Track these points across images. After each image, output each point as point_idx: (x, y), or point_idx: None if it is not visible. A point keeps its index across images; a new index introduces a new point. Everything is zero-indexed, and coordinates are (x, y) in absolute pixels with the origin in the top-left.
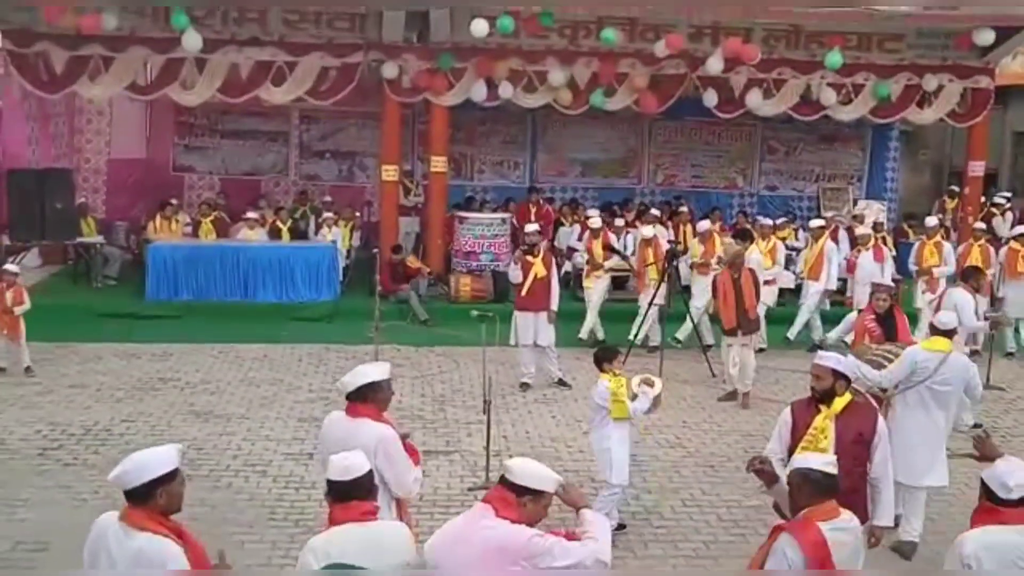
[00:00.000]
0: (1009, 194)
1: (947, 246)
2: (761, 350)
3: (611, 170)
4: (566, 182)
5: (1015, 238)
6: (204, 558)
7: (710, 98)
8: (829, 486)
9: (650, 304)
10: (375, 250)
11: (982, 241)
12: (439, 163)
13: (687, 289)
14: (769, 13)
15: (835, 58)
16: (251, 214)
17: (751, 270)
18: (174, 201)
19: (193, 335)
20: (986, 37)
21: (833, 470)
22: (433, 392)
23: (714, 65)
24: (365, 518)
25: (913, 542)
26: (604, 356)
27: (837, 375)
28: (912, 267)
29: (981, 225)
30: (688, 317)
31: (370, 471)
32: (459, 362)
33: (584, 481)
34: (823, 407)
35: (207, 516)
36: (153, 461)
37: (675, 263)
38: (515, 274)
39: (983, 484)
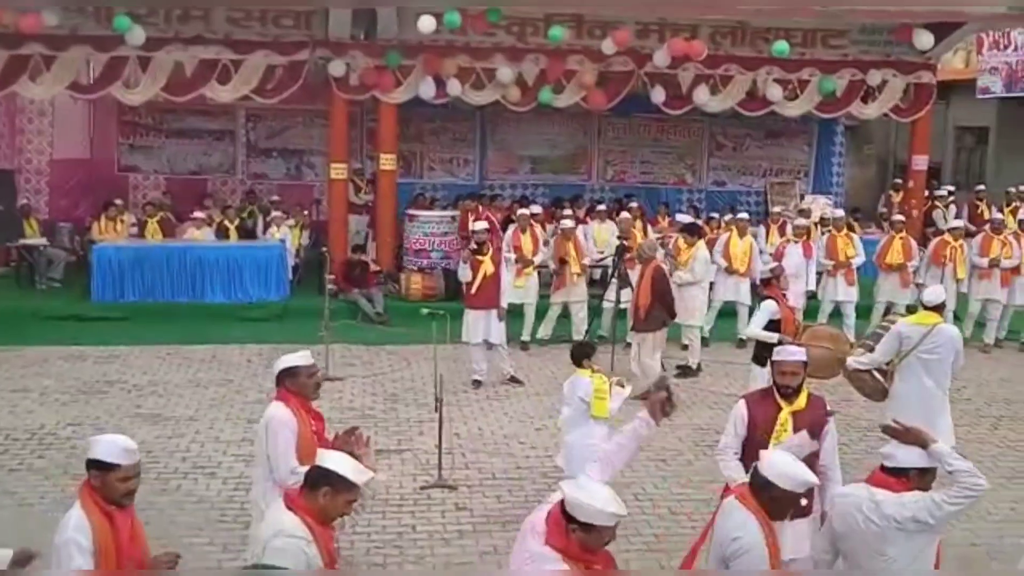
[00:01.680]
0: (952, 187)
1: (856, 238)
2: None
3: (561, 167)
4: (516, 179)
5: (950, 230)
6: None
7: (658, 95)
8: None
9: (600, 299)
10: (324, 249)
11: (903, 233)
12: (388, 161)
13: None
14: (715, 9)
15: (782, 46)
16: (198, 214)
17: (657, 267)
18: (119, 201)
19: (140, 337)
20: (924, 40)
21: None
22: (384, 391)
23: (661, 60)
24: None
25: None
26: (582, 352)
27: (805, 367)
28: (827, 261)
29: (899, 218)
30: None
31: None
32: (410, 360)
33: (536, 477)
34: (784, 402)
35: (155, 519)
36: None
37: (623, 259)
38: (464, 273)
39: None
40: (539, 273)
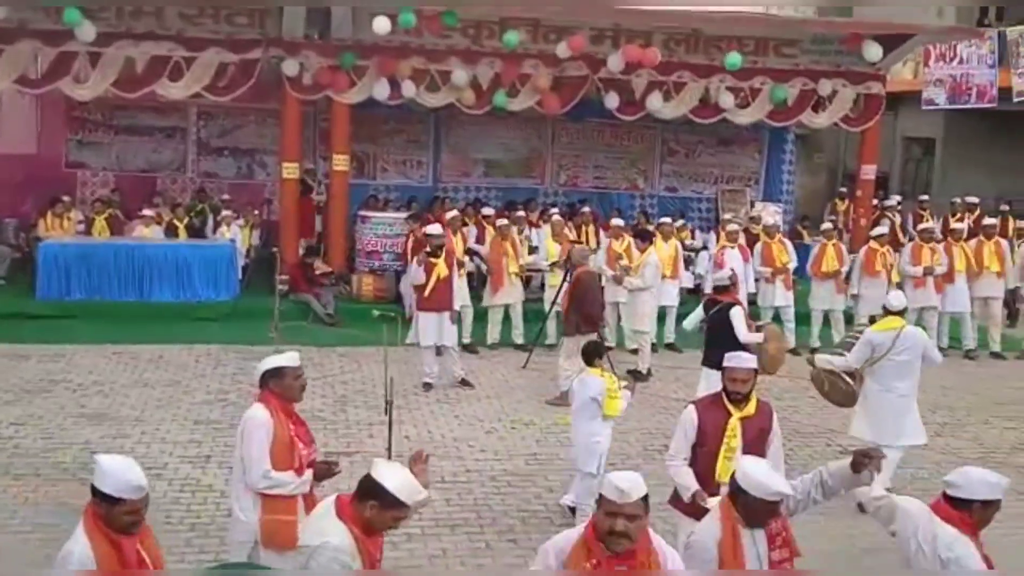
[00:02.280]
0: (899, 197)
1: (789, 244)
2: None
3: (514, 170)
4: (469, 182)
5: (874, 237)
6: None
7: (611, 100)
8: None
9: (553, 304)
10: (275, 249)
11: (835, 241)
12: (341, 161)
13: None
14: (665, 17)
15: (734, 59)
16: (146, 211)
17: (580, 275)
18: (66, 198)
19: (86, 335)
20: (874, 52)
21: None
22: (334, 393)
23: (615, 66)
24: None
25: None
26: (595, 351)
27: (756, 374)
28: (763, 268)
29: (827, 225)
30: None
31: None
32: (361, 362)
33: (485, 480)
34: (734, 408)
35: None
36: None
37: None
38: (418, 275)
39: None
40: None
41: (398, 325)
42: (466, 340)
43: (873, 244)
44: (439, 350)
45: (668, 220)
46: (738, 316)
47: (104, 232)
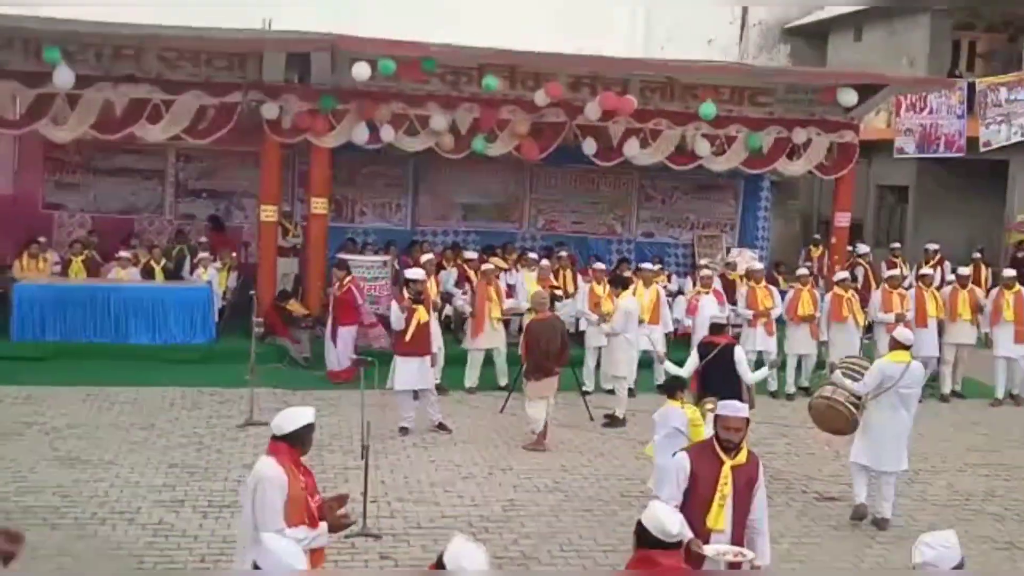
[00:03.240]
0: (866, 248)
1: (775, 290)
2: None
3: (492, 214)
4: (448, 225)
5: (838, 283)
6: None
7: (589, 146)
8: None
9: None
10: (252, 292)
11: (809, 286)
12: (320, 204)
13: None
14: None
15: (708, 108)
16: (123, 253)
17: (535, 320)
18: (42, 239)
19: (60, 377)
20: (849, 98)
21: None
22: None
23: (592, 113)
24: None
25: (887, 518)
26: (676, 385)
27: (747, 424)
28: (747, 311)
29: (803, 271)
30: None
31: None
32: (337, 406)
33: (462, 526)
34: (726, 456)
35: (72, 566)
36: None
37: (552, 307)
38: (398, 321)
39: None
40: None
41: (375, 369)
42: (436, 381)
43: (837, 290)
44: (416, 394)
45: (649, 266)
46: (742, 357)
47: (80, 274)
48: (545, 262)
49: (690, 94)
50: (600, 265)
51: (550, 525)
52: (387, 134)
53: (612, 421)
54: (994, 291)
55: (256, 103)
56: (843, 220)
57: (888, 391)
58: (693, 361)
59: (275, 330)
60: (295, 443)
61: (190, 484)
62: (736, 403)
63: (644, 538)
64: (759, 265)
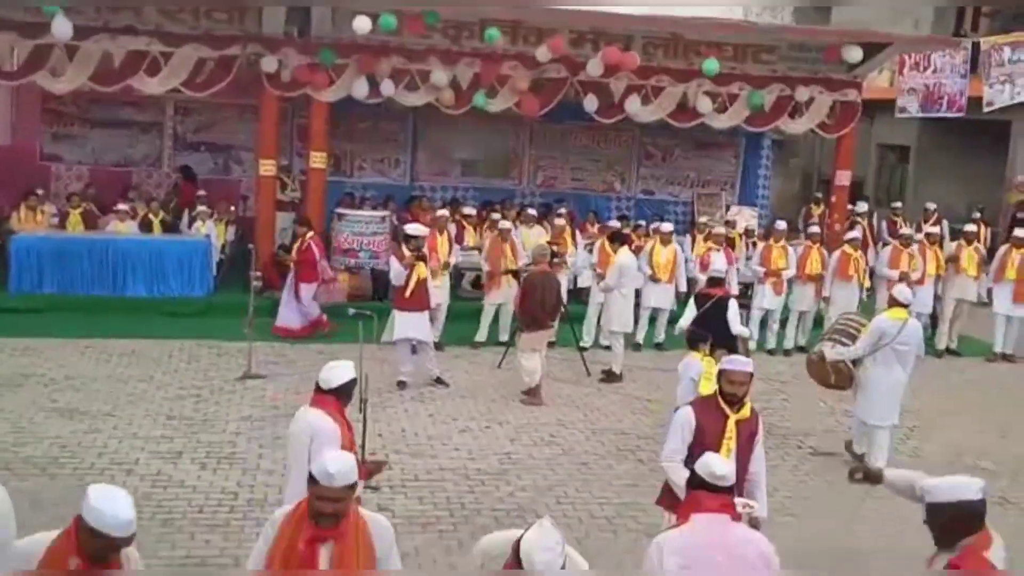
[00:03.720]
0: (867, 203)
1: (791, 251)
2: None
3: (492, 170)
4: (447, 181)
5: (848, 242)
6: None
7: (590, 103)
8: (983, 512)
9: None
10: (250, 246)
11: (819, 245)
12: (318, 159)
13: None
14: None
15: (711, 65)
16: (121, 206)
17: (533, 273)
18: (40, 191)
19: (58, 330)
20: (854, 54)
21: (983, 494)
22: (308, 390)
23: (594, 69)
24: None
25: (880, 468)
26: (698, 338)
27: (751, 378)
28: (759, 268)
29: (815, 229)
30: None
31: None
32: (335, 360)
33: (459, 479)
34: (730, 410)
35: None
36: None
37: (554, 263)
38: (398, 276)
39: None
40: (455, 275)
41: (373, 323)
42: (436, 339)
43: (847, 248)
44: (414, 348)
45: (668, 226)
46: (735, 310)
47: (78, 226)
48: (560, 220)
49: (693, 51)
50: (614, 223)
51: (546, 478)
52: (387, 88)
53: (609, 376)
54: (1002, 248)
55: (255, 56)
56: (844, 179)
57: (884, 348)
58: (691, 311)
59: (273, 284)
60: (342, 396)
61: (188, 436)
62: (741, 357)
63: (693, 479)
64: (782, 224)
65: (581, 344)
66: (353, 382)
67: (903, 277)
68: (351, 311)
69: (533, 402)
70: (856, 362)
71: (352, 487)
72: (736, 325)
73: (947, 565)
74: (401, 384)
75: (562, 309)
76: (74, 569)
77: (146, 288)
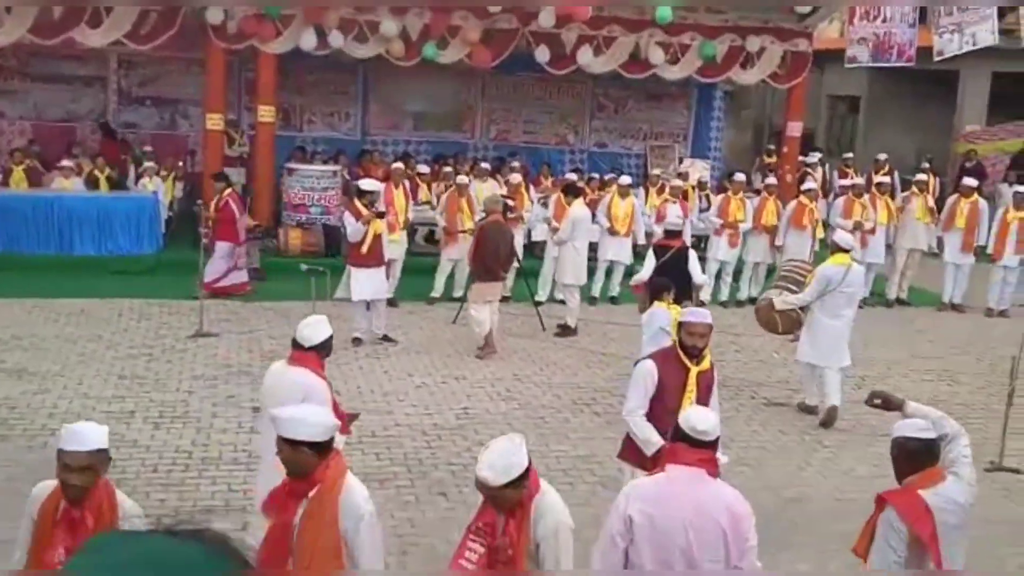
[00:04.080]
0: (819, 154)
1: (749, 203)
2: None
3: (444, 124)
4: (398, 135)
5: (805, 192)
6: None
7: (542, 54)
8: (929, 451)
9: None
10: (199, 202)
11: (775, 196)
12: (267, 113)
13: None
14: None
15: (665, 12)
16: (66, 162)
17: (488, 223)
18: None
19: (4, 289)
20: (804, 4)
21: (932, 434)
22: (261, 348)
23: (546, 20)
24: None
25: (836, 405)
26: (661, 287)
27: (711, 330)
28: (717, 220)
29: (772, 181)
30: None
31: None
32: (288, 317)
33: (416, 435)
34: (691, 363)
35: (23, 477)
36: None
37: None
38: (355, 232)
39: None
40: (409, 230)
41: (326, 279)
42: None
43: (803, 199)
44: (369, 305)
45: (628, 179)
46: (695, 259)
47: (22, 183)
48: (515, 176)
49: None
50: (572, 176)
51: (503, 432)
52: (336, 40)
53: (564, 330)
54: (951, 198)
55: (200, 8)
56: (795, 130)
57: (832, 292)
58: (651, 263)
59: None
60: (322, 351)
61: (140, 395)
62: (701, 310)
63: (676, 432)
64: (741, 176)
65: (536, 299)
66: (331, 337)
67: (856, 227)
68: (303, 267)
69: (486, 354)
70: (804, 308)
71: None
72: (698, 274)
73: (877, 497)
74: (356, 341)
75: (516, 263)
76: (60, 518)
77: (94, 246)
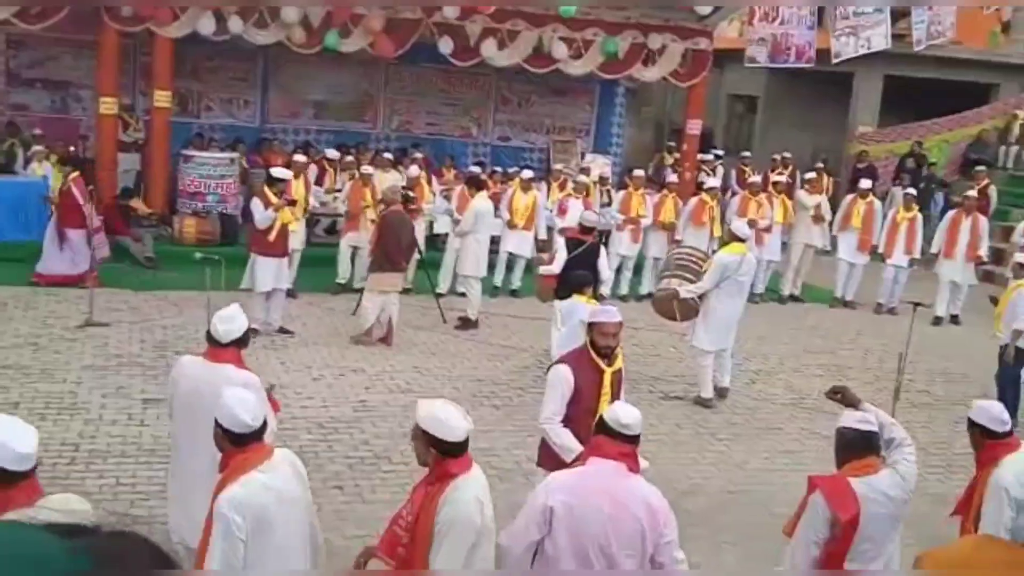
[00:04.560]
0: (721, 152)
1: (649, 200)
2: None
3: (346, 113)
4: (299, 124)
5: (706, 190)
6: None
7: (445, 45)
8: (866, 442)
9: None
10: (91, 188)
11: (675, 194)
12: (163, 98)
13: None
14: None
15: (568, 8)
16: None
17: (387, 214)
18: None
19: None
20: (705, 3)
21: (871, 427)
22: (153, 338)
23: (450, 11)
24: (268, 456)
25: (727, 387)
26: (580, 281)
27: (622, 327)
28: (619, 215)
29: (674, 179)
30: (419, 263)
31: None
32: (181, 307)
33: (312, 427)
34: (604, 364)
35: None
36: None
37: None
38: (265, 219)
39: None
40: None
41: (222, 268)
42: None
43: (704, 196)
44: (268, 295)
45: (530, 173)
46: (605, 255)
47: None
48: (414, 168)
49: None
50: (476, 168)
51: (401, 425)
52: (235, 25)
53: (464, 323)
54: (847, 198)
55: None
56: (694, 128)
57: (728, 280)
58: (562, 255)
59: (116, 228)
60: (241, 345)
61: (25, 386)
62: (612, 308)
63: (599, 425)
64: (639, 172)
65: (437, 290)
66: (249, 329)
67: (751, 224)
68: (198, 255)
69: (366, 341)
70: (700, 296)
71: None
72: (605, 270)
73: (808, 480)
74: (253, 332)
75: (418, 255)
76: None
77: None
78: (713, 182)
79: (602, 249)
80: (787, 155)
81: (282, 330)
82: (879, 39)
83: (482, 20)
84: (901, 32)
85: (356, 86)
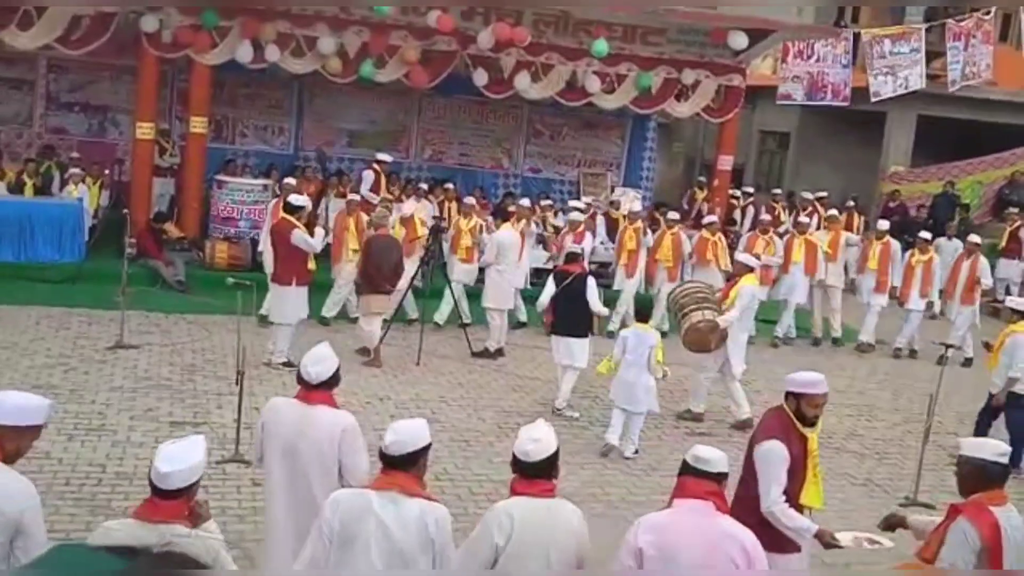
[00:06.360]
0: (752, 189)
1: (643, 236)
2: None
3: (379, 143)
4: (333, 152)
5: (706, 226)
6: None
7: (480, 77)
8: (1004, 474)
9: (412, 280)
10: (125, 211)
11: (675, 230)
12: (199, 124)
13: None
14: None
15: (601, 46)
16: None
17: (374, 237)
18: None
19: None
20: (739, 41)
21: (1004, 459)
22: (183, 361)
23: (485, 43)
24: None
25: (751, 418)
26: (648, 310)
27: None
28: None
29: (713, 218)
30: (449, 293)
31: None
32: (211, 331)
33: None
34: (809, 432)
35: None
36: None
37: (440, 239)
38: (320, 241)
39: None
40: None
41: (252, 293)
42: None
43: (705, 233)
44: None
45: (525, 202)
46: (593, 287)
47: None
48: (461, 198)
49: (583, 30)
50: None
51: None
52: (272, 54)
53: (483, 353)
54: (864, 241)
55: (135, 14)
56: (725, 164)
57: (748, 308)
58: (550, 289)
59: (148, 251)
60: (333, 385)
61: (55, 406)
62: (820, 378)
63: (683, 466)
64: (638, 207)
65: (463, 322)
66: (339, 368)
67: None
68: (230, 280)
69: (373, 364)
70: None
71: None
72: (596, 303)
73: (950, 508)
74: (289, 365)
75: (420, 282)
76: None
77: (12, 253)
78: (711, 218)
79: (590, 280)
80: (822, 194)
81: (287, 364)
82: (916, 79)
83: (516, 53)
84: (936, 73)
85: (390, 116)
